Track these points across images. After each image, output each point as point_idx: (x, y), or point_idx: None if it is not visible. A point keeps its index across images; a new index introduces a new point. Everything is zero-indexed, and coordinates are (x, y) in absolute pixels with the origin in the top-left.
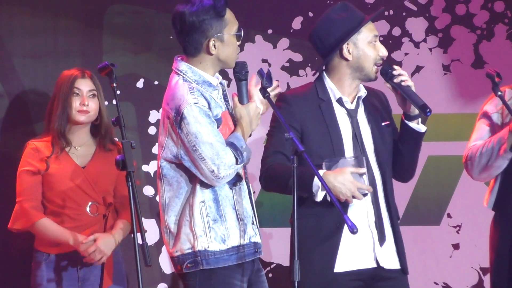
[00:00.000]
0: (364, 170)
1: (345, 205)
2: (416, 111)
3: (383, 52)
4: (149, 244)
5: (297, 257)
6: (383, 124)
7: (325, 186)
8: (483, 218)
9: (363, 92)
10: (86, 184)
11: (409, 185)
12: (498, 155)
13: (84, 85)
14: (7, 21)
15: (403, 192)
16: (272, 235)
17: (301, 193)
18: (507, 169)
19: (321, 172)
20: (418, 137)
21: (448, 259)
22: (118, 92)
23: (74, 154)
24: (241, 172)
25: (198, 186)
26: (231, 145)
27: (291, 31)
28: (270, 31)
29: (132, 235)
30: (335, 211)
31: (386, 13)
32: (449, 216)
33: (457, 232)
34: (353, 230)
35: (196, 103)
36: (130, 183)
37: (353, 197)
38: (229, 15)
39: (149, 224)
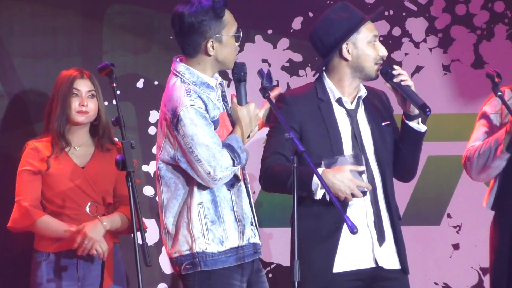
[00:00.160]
0: (363, 168)
1: (344, 204)
2: (416, 111)
3: (383, 52)
4: (149, 244)
5: (297, 257)
6: (383, 124)
7: (324, 184)
8: (483, 218)
9: (363, 92)
10: (85, 184)
11: (409, 185)
12: (496, 156)
13: (83, 86)
14: (7, 21)
15: (403, 192)
16: (272, 235)
17: (300, 191)
18: (506, 170)
19: (320, 170)
20: (419, 137)
21: (448, 259)
22: (118, 92)
23: (74, 154)
24: (239, 173)
25: (195, 188)
26: (228, 146)
27: (291, 31)
28: (270, 31)
29: (132, 235)
30: (334, 212)
31: (386, 13)
32: (449, 216)
33: (457, 232)
34: (353, 230)
35: (193, 105)
36: (130, 183)
37: (352, 195)
38: (228, 16)
39: (149, 224)
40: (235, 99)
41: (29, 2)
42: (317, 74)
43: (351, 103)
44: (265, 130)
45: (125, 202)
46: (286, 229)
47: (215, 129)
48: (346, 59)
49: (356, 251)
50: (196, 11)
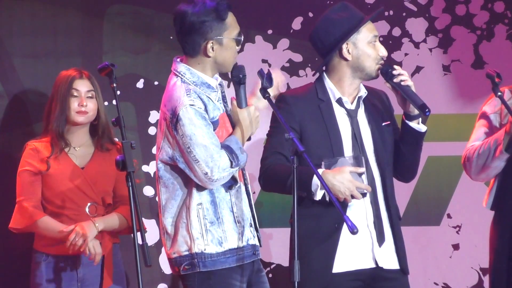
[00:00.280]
0: (363, 169)
1: (344, 205)
2: (416, 111)
3: (383, 52)
4: (149, 244)
5: (297, 258)
6: (383, 124)
7: (324, 185)
8: (483, 218)
9: (363, 92)
10: (85, 184)
11: (409, 185)
12: (494, 156)
13: (82, 86)
14: (7, 21)
15: (403, 192)
16: (272, 235)
17: (300, 192)
18: (506, 170)
19: (320, 171)
20: (419, 137)
21: (448, 259)
22: (118, 92)
23: (73, 155)
24: (237, 175)
25: (194, 189)
26: (226, 148)
27: (291, 31)
28: (270, 31)
29: (132, 235)
30: (333, 212)
31: (386, 13)
32: (449, 216)
33: (457, 232)
34: (353, 230)
35: (192, 105)
36: (130, 183)
37: (352, 196)
38: (230, 19)
39: (149, 224)
40: (235, 102)
41: (29, 2)
42: (317, 74)
43: (351, 103)
44: (265, 130)
45: (125, 202)
46: (286, 229)
47: (214, 129)
48: (346, 59)
49: (355, 251)
50: (199, 11)
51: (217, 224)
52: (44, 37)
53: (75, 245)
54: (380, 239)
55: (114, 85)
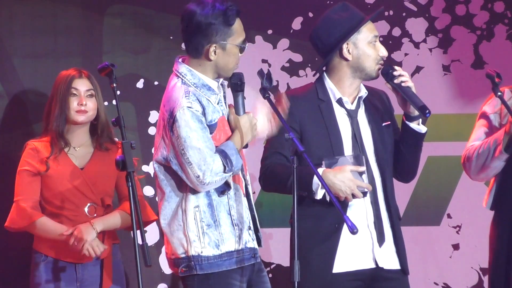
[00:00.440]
0: (363, 168)
1: (344, 205)
2: (416, 112)
3: (383, 52)
4: (149, 244)
5: (297, 258)
6: (383, 124)
7: (324, 185)
8: (483, 218)
9: (363, 92)
10: (84, 185)
11: (409, 185)
12: (494, 156)
13: (82, 85)
14: (7, 21)
15: (403, 192)
16: (272, 235)
17: (301, 191)
18: (506, 170)
19: (320, 170)
20: (419, 137)
21: (448, 259)
22: (118, 92)
23: (73, 155)
24: (230, 180)
25: (191, 191)
26: (221, 152)
27: (291, 31)
28: (270, 31)
29: (132, 235)
30: (334, 212)
31: (386, 13)
32: (449, 216)
33: (457, 232)
34: (353, 230)
35: (190, 107)
36: (130, 183)
37: (353, 195)
38: (237, 25)
39: (149, 224)
40: (233, 109)
41: (29, 2)
42: (317, 74)
43: (352, 103)
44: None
45: (127, 199)
46: (286, 229)
47: (212, 133)
48: (346, 59)
49: (356, 251)
50: (207, 13)
51: (214, 227)
52: (44, 37)
53: (78, 247)
54: (380, 239)
55: (114, 85)
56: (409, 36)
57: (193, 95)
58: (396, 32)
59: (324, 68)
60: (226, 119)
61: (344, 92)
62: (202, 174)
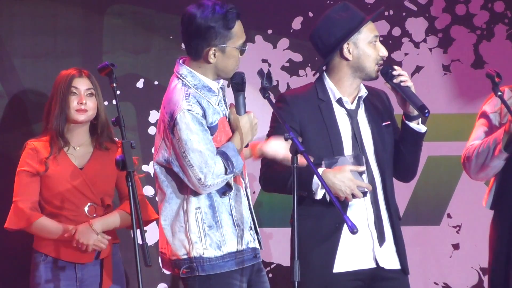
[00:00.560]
0: (363, 168)
1: (344, 205)
2: (416, 112)
3: (383, 52)
4: (149, 244)
5: (297, 257)
6: (383, 124)
7: (324, 185)
8: (483, 218)
9: (363, 92)
10: (84, 185)
11: (409, 185)
12: (494, 155)
13: (82, 84)
14: (7, 21)
15: (403, 192)
16: (272, 235)
17: (301, 191)
18: (505, 169)
19: (320, 170)
20: (419, 137)
21: (448, 259)
22: (118, 92)
23: (72, 155)
24: (232, 181)
25: (192, 192)
26: (222, 154)
27: (291, 31)
28: (270, 31)
29: (132, 235)
30: (334, 212)
31: (386, 13)
32: (449, 216)
33: (457, 232)
34: (353, 230)
35: (190, 110)
36: (130, 183)
37: (353, 195)
38: (237, 28)
39: (149, 224)
40: (233, 109)
41: (29, 2)
42: (317, 74)
43: (352, 103)
44: (266, 130)
45: (128, 198)
46: (286, 229)
47: (212, 134)
48: (346, 59)
49: (356, 251)
50: (207, 16)
51: (216, 228)
52: (44, 37)
53: (76, 249)
54: (381, 239)
55: (114, 85)
56: (409, 36)
57: (193, 97)
58: (396, 32)
59: (324, 68)
60: (227, 120)
61: (344, 92)
62: (204, 176)
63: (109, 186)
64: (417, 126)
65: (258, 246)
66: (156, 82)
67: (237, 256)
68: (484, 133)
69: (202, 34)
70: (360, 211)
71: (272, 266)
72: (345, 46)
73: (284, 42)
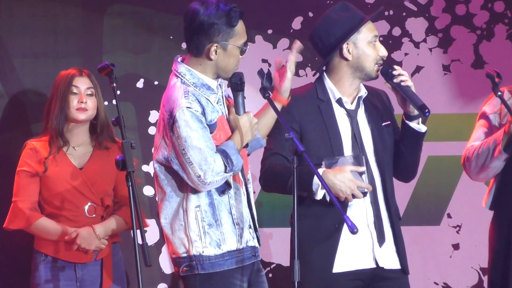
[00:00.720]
0: (363, 168)
1: (344, 205)
2: (416, 111)
3: (383, 52)
4: (149, 244)
5: (297, 257)
6: (383, 124)
7: (324, 185)
8: (483, 218)
9: (363, 92)
10: (83, 185)
11: (409, 185)
12: (493, 156)
13: (82, 83)
14: (7, 21)
15: (403, 192)
16: (272, 235)
17: (301, 192)
18: (505, 170)
19: (320, 170)
20: (419, 137)
21: (448, 259)
22: (118, 92)
23: (72, 155)
24: (231, 180)
25: (192, 190)
26: (222, 152)
27: (291, 31)
28: (270, 31)
29: (132, 235)
30: (334, 212)
31: (386, 13)
32: (449, 216)
33: (457, 232)
34: (353, 230)
35: (189, 108)
36: (130, 183)
37: (353, 195)
38: (240, 27)
39: (149, 224)
40: (233, 109)
41: (29, 2)
42: (317, 74)
43: (351, 103)
44: None
45: (125, 202)
46: (286, 229)
47: (211, 132)
48: (346, 59)
49: (356, 251)
50: (211, 13)
51: (216, 226)
52: (44, 37)
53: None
54: (381, 239)
55: (114, 85)
56: (409, 36)
57: (192, 95)
58: (396, 32)
59: (324, 68)
60: (226, 118)
61: (344, 92)
62: (203, 173)
63: (109, 186)
64: (417, 126)
65: (257, 245)
66: (156, 82)
67: (237, 254)
68: (484, 134)
69: (205, 30)
70: (360, 211)
71: (272, 266)
72: (344, 46)
73: (284, 42)
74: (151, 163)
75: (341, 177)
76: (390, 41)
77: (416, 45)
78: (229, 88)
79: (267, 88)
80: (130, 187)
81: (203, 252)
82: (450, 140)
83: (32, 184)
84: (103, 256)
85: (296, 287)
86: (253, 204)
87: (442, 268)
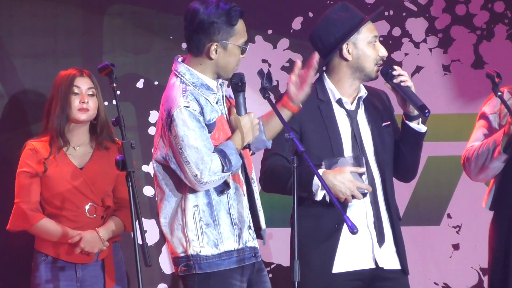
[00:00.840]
0: (363, 169)
1: (344, 205)
2: (416, 111)
3: (383, 52)
4: (149, 244)
5: (297, 258)
6: (383, 124)
7: (324, 185)
8: (483, 218)
9: (363, 93)
10: (84, 185)
11: (409, 185)
12: (493, 157)
13: (83, 84)
14: (7, 21)
15: (403, 192)
16: (272, 235)
17: (301, 192)
18: (505, 170)
19: (320, 171)
20: (419, 137)
21: (448, 259)
22: (118, 92)
23: (72, 155)
24: (230, 180)
25: (190, 190)
26: (220, 152)
27: (291, 31)
28: (270, 31)
29: (132, 235)
30: (334, 212)
31: (386, 13)
32: (449, 216)
33: (457, 232)
34: (353, 230)
35: (187, 107)
36: (130, 183)
37: (353, 196)
38: (240, 26)
39: (149, 224)
40: (234, 109)
41: (29, 2)
42: (317, 74)
43: (351, 103)
44: None
45: (124, 204)
46: (286, 229)
47: (210, 132)
48: (346, 59)
49: (356, 251)
50: (211, 12)
51: (213, 226)
52: (44, 37)
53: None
54: (380, 239)
55: (114, 85)
56: (409, 36)
57: (191, 94)
58: (396, 32)
59: (324, 68)
60: (225, 118)
61: (344, 92)
62: (200, 173)
63: (110, 186)
64: (418, 126)
65: (257, 245)
66: (156, 82)
67: (235, 254)
68: (483, 135)
69: (205, 29)
70: (359, 212)
71: (272, 266)
72: (344, 46)
73: (284, 42)
74: (151, 163)
75: (341, 178)
76: (390, 41)
77: (416, 45)
78: (230, 88)
79: (267, 88)
80: (130, 187)
81: (200, 251)
82: (450, 140)
83: (32, 184)
84: (104, 256)
85: (296, 287)
86: (258, 204)
87: (442, 268)
